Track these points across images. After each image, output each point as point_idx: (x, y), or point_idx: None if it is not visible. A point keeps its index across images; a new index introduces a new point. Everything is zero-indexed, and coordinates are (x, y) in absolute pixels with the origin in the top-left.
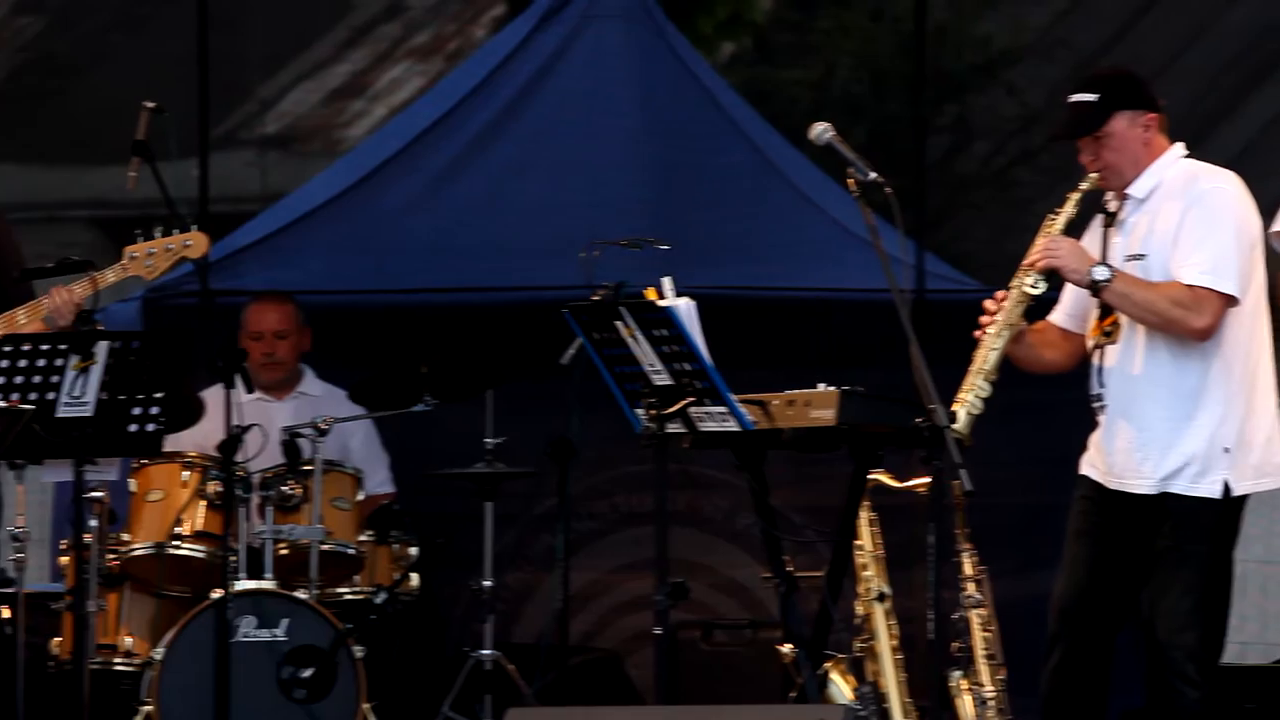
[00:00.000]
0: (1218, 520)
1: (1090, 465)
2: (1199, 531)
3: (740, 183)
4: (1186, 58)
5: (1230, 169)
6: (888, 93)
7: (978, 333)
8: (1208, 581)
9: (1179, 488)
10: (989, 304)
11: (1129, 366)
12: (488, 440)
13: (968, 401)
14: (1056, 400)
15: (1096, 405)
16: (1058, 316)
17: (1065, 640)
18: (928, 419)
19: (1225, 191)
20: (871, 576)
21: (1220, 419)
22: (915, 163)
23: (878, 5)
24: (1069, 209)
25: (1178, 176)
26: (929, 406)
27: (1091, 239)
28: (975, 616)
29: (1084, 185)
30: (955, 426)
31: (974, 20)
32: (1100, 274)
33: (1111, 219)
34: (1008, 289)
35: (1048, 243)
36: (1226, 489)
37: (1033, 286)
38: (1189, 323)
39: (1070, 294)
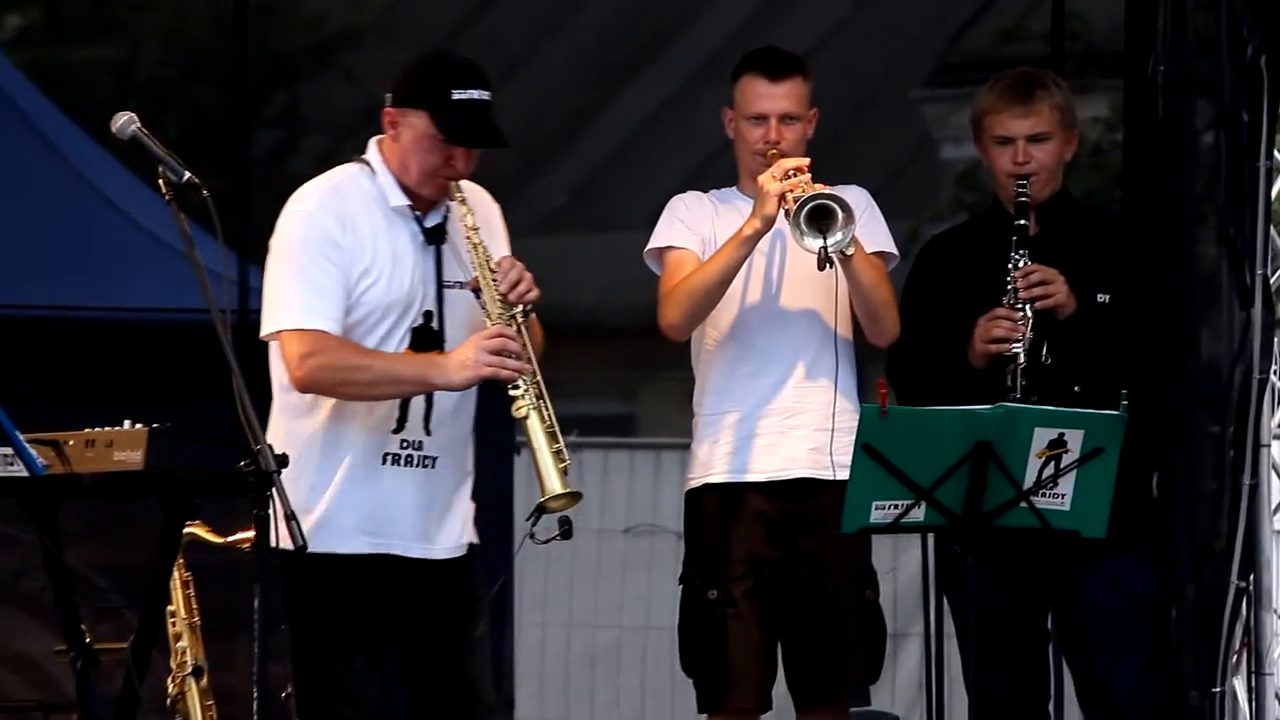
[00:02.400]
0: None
1: (379, 535)
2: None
3: (27, 182)
4: (551, 43)
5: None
6: (204, 78)
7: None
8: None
9: (472, 537)
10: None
11: (459, 415)
12: None
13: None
14: None
15: (412, 452)
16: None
17: None
18: (253, 462)
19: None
20: (186, 648)
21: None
22: (238, 161)
23: None
24: None
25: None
26: (255, 447)
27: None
28: None
29: None
30: (556, 490)
31: None
32: None
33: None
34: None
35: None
36: None
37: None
38: None
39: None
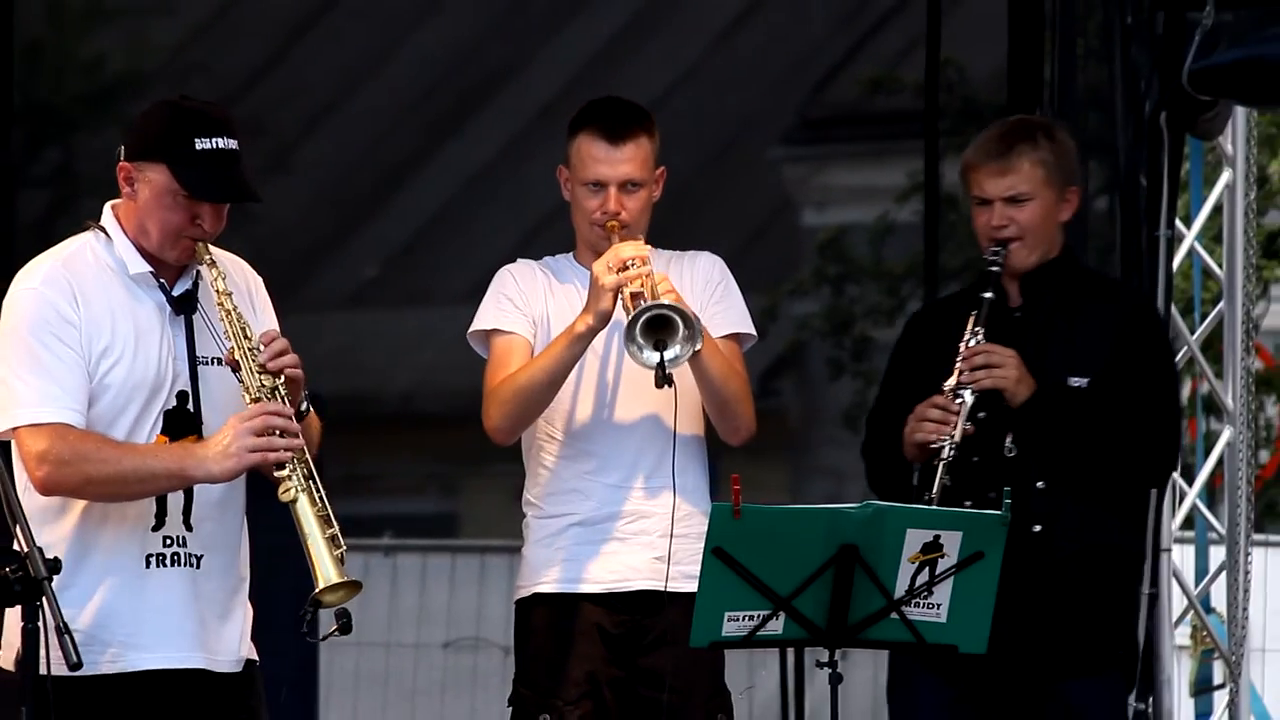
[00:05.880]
0: None
1: (151, 650)
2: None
3: None
4: (362, 90)
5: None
6: None
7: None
8: None
9: (250, 653)
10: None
11: (226, 508)
12: None
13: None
14: None
15: (178, 549)
16: None
17: None
18: (20, 567)
19: None
20: None
21: None
22: (2, 227)
23: None
24: None
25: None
26: (22, 550)
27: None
28: None
29: None
30: (331, 580)
31: (80, 35)
32: None
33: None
34: None
35: None
36: None
37: None
38: None
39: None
